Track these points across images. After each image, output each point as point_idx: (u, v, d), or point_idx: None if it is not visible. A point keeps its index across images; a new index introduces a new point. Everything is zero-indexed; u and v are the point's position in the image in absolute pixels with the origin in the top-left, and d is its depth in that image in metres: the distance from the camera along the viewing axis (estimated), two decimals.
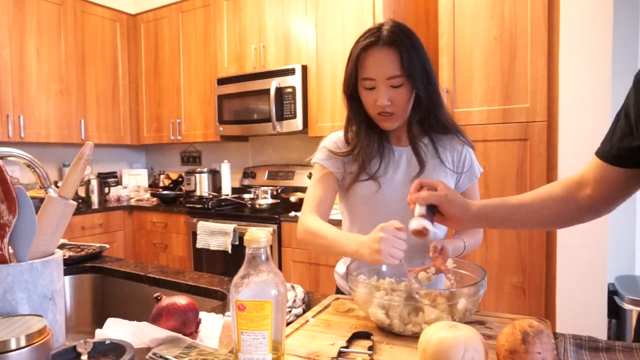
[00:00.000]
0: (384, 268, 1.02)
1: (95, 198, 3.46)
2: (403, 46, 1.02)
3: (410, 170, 1.13)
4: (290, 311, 0.94)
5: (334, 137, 1.19)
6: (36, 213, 0.76)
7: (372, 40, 1.04)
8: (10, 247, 0.73)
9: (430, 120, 1.12)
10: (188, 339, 0.79)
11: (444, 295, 0.84)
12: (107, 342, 0.73)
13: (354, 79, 1.08)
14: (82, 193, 3.46)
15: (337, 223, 1.18)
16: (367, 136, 1.12)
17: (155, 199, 3.56)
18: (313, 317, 0.92)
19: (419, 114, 1.10)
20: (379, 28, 1.05)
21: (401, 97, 1.05)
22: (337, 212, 1.36)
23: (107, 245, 1.62)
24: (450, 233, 1.26)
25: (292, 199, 2.88)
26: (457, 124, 1.16)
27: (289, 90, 2.79)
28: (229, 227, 2.72)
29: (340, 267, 1.27)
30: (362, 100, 1.10)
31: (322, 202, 1.14)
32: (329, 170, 1.15)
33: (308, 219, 1.11)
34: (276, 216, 2.63)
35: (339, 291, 1.26)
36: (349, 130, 1.16)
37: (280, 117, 2.84)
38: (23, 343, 0.56)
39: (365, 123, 1.13)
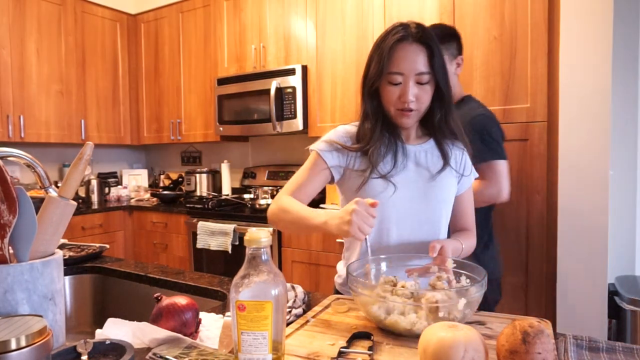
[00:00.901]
0: (384, 268, 1.02)
1: (95, 198, 3.46)
2: (432, 45, 1.05)
3: (419, 168, 1.14)
4: (290, 311, 0.94)
5: (341, 131, 1.18)
6: (36, 213, 0.76)
7: (403, 34, 1.04)
8: (10, 247, 0.73)
9: (442, 121, 1.13)
10: (188, 339, 0.79)
11: (444, 295, 0.84)
12: (107, 342, 0.73)
13: (379, 75, 1.07)
14: (82, 193, 3.46)
15: None
16: (380, 134, 1.12)
17: (155, 199, 3.56)
18: (313, 317, 0.92)
19: (440, 112, 1.12)
20: (404, 26, 1.06)
21: (426, 94, 1.07)
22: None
23: (107, 246, 1.62)
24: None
25: None
26: (461, 129, 1.18)
27: (289, 90, 2.79)
28: (229, 227, 2.72)
29: (341, 268, 1.27)
30: (383, 97, 1.10)
31: (303, 190, 1.14)
32: (325, 165, 1.14)
33: (282, 198, 1.12)
34: None
35: (337, 292, 1.25)
36: (362, 126, 1.15)
37: (281, 117, 2.84)
38: (23, 343, 0.56)
39: (379, 121, 1.13)
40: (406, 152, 1.14)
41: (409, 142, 1.17)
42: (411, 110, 1.07)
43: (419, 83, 1.05)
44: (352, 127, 1.18)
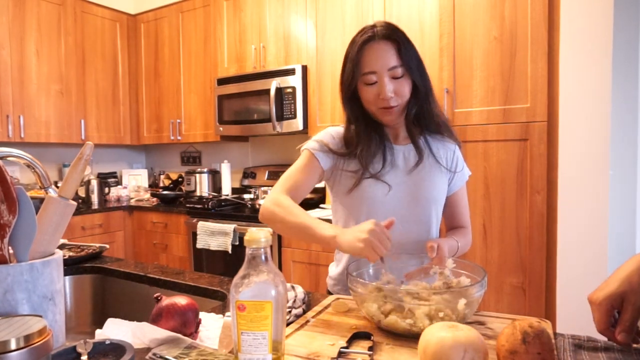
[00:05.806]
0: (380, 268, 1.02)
1: (95, 198, 3.45)
2: (399, 39, 1.06)
3: (408, 168, 1.14)
4: (290, 311, 0.94)
5: (332, 132, 1.18)
6: (36, 213, 0.76)
7: (369, 35, 1.06)
8: (10, 247, 0.73)
9: (424, 116, 1.13)
10: (188, 339, 0.79)
11: (444, 295, 0.84)
12: (107, 342, 0.73)
13: (353, 78, 1.08)
14: (82, 193, 3.45)
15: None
16: (367, 135, 1.12)
17: (155, 199, 3.56)
18: (313, 317, 0.92)
19: (416, 106, 1.11)
20: (372, 26, 1.07)
21: (403, 87, 1.07)
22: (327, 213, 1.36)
23: (107, 246, 1.62)
24: (443, 234, 1.26)
25: None
26: (448, 121, 1.18)
27: (289, 90, 2.79)
28: (229, 227, 2.72)
29: (333, 270, 1.26)
30: (362, 98, 1.10)
31: (298, 189, 1.12)
32: (318, 165, 1.14)
33: (281, 196, 1.08)
34: None
35: (330, 293, 1.25)
36: (348, 130, 1.16)
37: (281, 117, 2.84)
38: (23, 343, 0.55)
39: (364, 122, 1.13)
40: (394, 152, 1.14)
41: (397, 142, 1.17)
42: (391, 106, 1.07)
43: (394, 78, 1.05)
44: (342, 129, 1.19)
